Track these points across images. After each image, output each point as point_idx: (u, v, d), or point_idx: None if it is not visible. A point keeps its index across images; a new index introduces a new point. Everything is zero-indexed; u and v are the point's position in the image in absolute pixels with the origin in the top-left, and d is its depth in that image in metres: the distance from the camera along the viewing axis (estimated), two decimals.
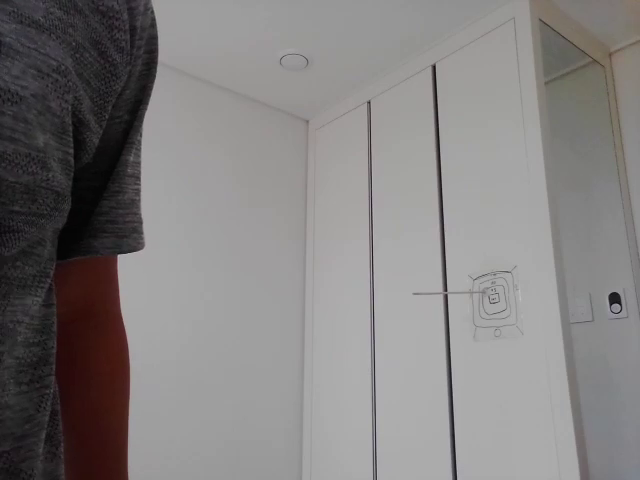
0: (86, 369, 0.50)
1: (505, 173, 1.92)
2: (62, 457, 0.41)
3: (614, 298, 2.03)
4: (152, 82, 0.47)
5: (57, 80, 0.36)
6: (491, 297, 1.87)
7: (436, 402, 1.94)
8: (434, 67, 2.27)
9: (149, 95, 0.48)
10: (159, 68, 2.42)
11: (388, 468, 2.07)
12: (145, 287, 2.15)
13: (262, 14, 2.08)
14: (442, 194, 2.11)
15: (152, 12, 0.47)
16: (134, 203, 0.48)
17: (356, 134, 2.55)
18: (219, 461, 2.21)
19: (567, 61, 2.21)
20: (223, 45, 2.24)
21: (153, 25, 0.47)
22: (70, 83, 0.37)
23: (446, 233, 2.06)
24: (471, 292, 1.92)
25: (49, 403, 0.38)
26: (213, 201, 2.41)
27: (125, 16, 0.43)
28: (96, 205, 0.46)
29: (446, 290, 2.01)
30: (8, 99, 0.32)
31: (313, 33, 2.18)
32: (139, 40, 0.44)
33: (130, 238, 0.47)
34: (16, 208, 0.34)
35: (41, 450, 0.37)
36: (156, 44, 0.47)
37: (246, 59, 2.35)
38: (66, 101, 0.37)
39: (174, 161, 2.32)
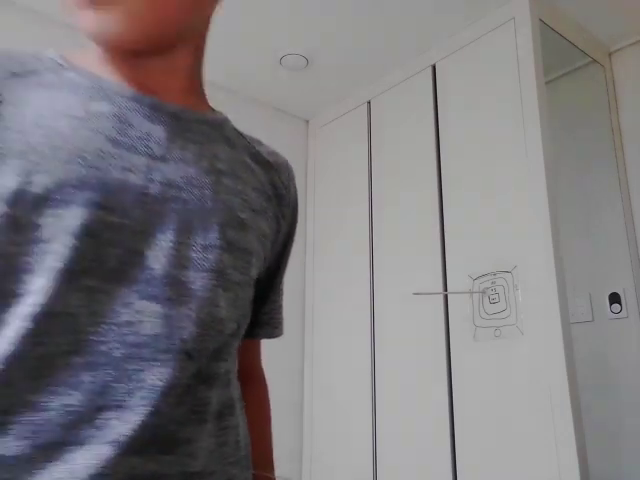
0: (250, 405, 0.67)
1: (505, 173, 1.92)
2: None
3: (614, 298, 2.03)
4: (295, 229, 0.70)
5: (264, 242, 0.60)
6: (491, 297, 1.87)
7: (436, 402, 1.94)
8: (434, 67, 2.27)
9: (293, 237, 0.71)
10: None
11: (388, 468, 2.07)
12: None
13: (262, 14, 2.08)
14: (442, 194, 2.11)
15: (295, 184, 0.69)
16: (281, 307, 0.72)
17: (356, 134, 2.55)
18: None
19: (567, 61, 2.21)
20: (223, 45, 2.24)
21: (296, 193, 0.69)
22: (268, 243, 0.61)
23: (446, 233, 2.06)
24: (471, 292, 1.92)
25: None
26: None
27: (288, 196, 0.66)
28: (259, 305, 0.67)
29: (446, 290, 2.01)
30: (248, 253, 0.56)
31: (313, 33, 2.18)
32: (292, 209, 0.67)
33: (278, 329, 0.71)
34: (243, 315, 0.59)
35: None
36: (297, 205, 0.70)
37: (246, 59, 2.35)
38: (265, 252, 0.61)
39: None
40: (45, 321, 0.43)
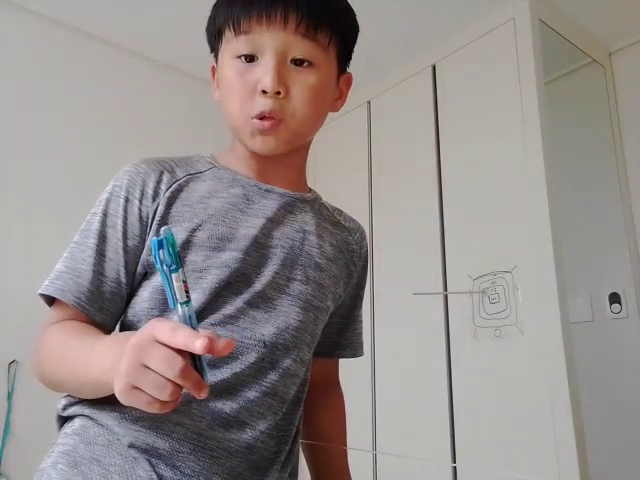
0: (328, 410, 0.94)
1: (505, 173, 1.91)
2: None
3: (614, 298, 2.03)
4: (366, 276, 0.92)
5: (337, 281, 0.82)
6: (491, 297, 1.87)
7: (436, 402, 1.94)
8: (434, 67, 2.27)
9: (364, 282, 0.93)
10: (164, 71, 2.43)
11: (388, 468, 2.07)
12: None
13: None
14: (442, 194, 2.11)
15: (366, 242, 0.91)
16: (360, 334, 0.94)
17: (356, 134, 2.55)
18: None
19: (567, 61, 2.21)
20: None
21: (367, 249, 0.92)
22: (340, 282, 0.83)
23: (446, 233, 2.06)
24: (471, 292, 1.92)
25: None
26: None
27: (359, 251, 0.89)
28: (340, 331, 0.91)
29: (446, 290, 2.01)
30: (323, 287, 0.79)
31: None
32: (362, 260, 0.90)
33: (359, 350, 0.94)
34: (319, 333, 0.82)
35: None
36: (367, 256, 0.91)
37: None
38: (339, 289, 0.84)
39: None
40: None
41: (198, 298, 0.69)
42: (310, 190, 0.87)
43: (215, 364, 0.68)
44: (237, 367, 0.69)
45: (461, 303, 1.95)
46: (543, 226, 1.75)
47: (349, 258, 0.87)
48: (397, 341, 2.15)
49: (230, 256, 0.71)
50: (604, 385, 1.97)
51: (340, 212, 0.91)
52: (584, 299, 2.09)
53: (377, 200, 2.39)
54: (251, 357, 0.70)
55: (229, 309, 0.70)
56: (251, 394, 0.70)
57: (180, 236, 0.71)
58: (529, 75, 1.89)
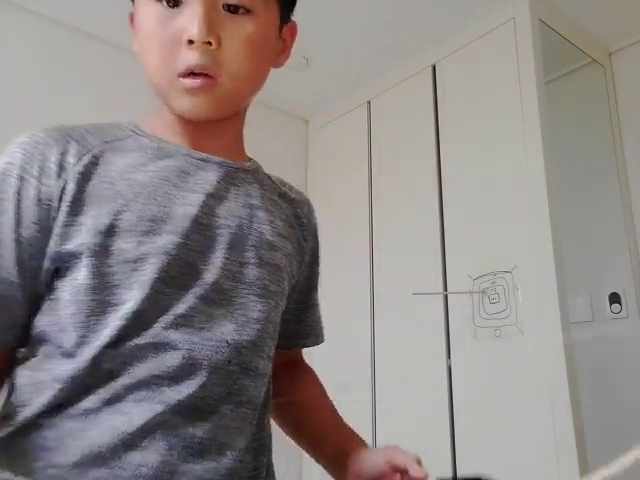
0: (304, 383, 0.89)
1: (505, 173, 1.91)
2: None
3: (614, 298, 2.03)
4: (318, 252, 0.84)
5: (291, 260, 0.73)
6: (491, 297, 1.87)
7: (436, 402, 1.94)
8: (434, 67, 2.27)
9: (318, 259, 0.84)
10: None
11: None
12: None
13: None
14: (442, 194, 2.11)
15: (315, 215, 0.83)
16: (320, 317, 0.88)
17: (356, 134, 2.55)
18: None
19: (567, 61, 2.21)
20: None
21: (316, 222, 0.83)
22: (294, 261, 0.74)
23: (446, 233, 2.06)
24: (471, 292, 1.92)
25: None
26: None
27: (309, 225, 0.80)
28: (298, 317, 0.83)
29: (446, 290, 2.01)
30: (279, 269, 0.69)
31: (313, 33, 2.18)
32: (313, 235, 0.82)
33: (320, 337, 0.88)
34: (277, 319, 0.71)
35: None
36: (317, 230, 0.83)
37: None
38: (292, 268, 0.74)
39: None
40: (128, 316, 0.57)
41: (137, 295, 0.57)
42: (250, 159, 0.75)
43: (175, 378, 0.57)
44: (203, 376, 0.58)
45: (461, 303, 1.95)
46: (543, 226, 1.75)
47: (300, 233, 0.77)
48: (397, 341, 2.15)
49: (168, 240, 0.59)
50: (604, 385, 1.96)
51: (284, 183, 0.80)
52: (584, 299, 2.09)
53: (377, 200, 2.38)
54: (216, 361, 0.59)
55: (180, 307, 0.59)
56: (225, 407, 0.59)
57: (103, 220, 0.58)
58: (529, 75, 1.89)
